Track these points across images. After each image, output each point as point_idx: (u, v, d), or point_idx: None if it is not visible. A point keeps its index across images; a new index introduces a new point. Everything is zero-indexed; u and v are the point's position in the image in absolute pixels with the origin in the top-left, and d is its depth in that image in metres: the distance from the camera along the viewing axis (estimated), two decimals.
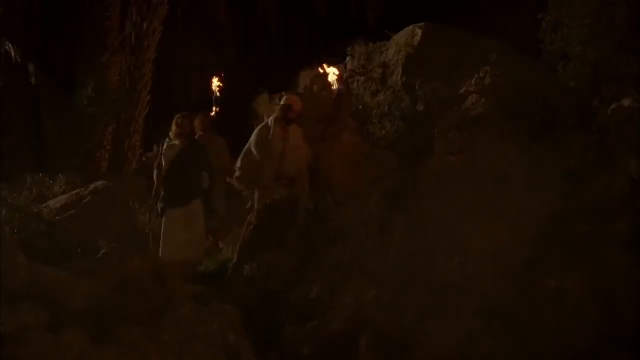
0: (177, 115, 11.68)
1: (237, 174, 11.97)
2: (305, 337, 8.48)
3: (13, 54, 17.51)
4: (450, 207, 9.84)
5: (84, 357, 6.48)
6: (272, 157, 11.65)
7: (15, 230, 10.23)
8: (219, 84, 14.74)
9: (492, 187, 10.62)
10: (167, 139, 11.73)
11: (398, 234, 9.69)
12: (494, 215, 10.22)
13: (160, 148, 11.67)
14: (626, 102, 11.53)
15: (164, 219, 11.44)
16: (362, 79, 13.74)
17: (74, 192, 13.06)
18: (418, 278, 9.62)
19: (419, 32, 13.53)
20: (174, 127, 11.63)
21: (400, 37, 13.81)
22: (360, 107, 12.96)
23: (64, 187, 14.29)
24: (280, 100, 13.13)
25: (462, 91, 12.42)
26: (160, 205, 11.47)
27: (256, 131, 11.96)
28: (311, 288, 9.16)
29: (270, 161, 11.64)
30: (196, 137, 12.26)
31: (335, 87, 12.08)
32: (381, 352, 8.27)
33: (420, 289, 9.40)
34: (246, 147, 11.91)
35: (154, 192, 11.58)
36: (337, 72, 12.39)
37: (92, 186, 13.02)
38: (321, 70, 12.43)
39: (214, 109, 14.39)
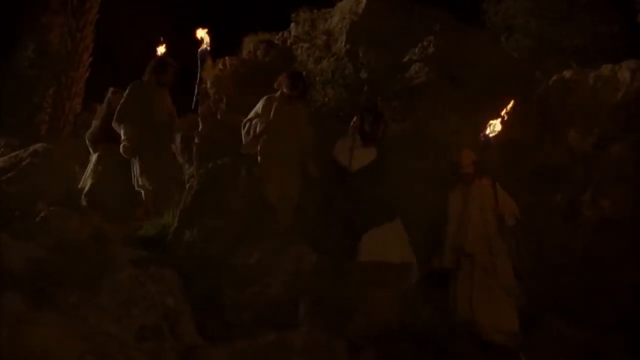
0: None
1: None
2: (245, 302, 8.47)
3: None
4: (393, 175, 9.87)
5: (20, 320, 6.40)
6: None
7: None
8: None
9: (435, 156, 10.68)
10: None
11: (340, 201, 9.70)
12: (436, 183, 10.28)
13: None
14: (567, 74, 11.65)
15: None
16: (306, 45, 13.65)
17: (13, 154, 12.82)
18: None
19: (364, 0, 13.48)
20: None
21: (345, 4, 13.74)
22: (304, 73, 12.89)
23: (2, 149, 14.08)
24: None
25: (405, 59, 12.44)
26: None
27: None
28: (251, 253, 9.14)
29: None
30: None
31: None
32: (320, 318, 8.29)
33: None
34: None
35: None
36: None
37: (31, 148, 12.77)
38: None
39: None
